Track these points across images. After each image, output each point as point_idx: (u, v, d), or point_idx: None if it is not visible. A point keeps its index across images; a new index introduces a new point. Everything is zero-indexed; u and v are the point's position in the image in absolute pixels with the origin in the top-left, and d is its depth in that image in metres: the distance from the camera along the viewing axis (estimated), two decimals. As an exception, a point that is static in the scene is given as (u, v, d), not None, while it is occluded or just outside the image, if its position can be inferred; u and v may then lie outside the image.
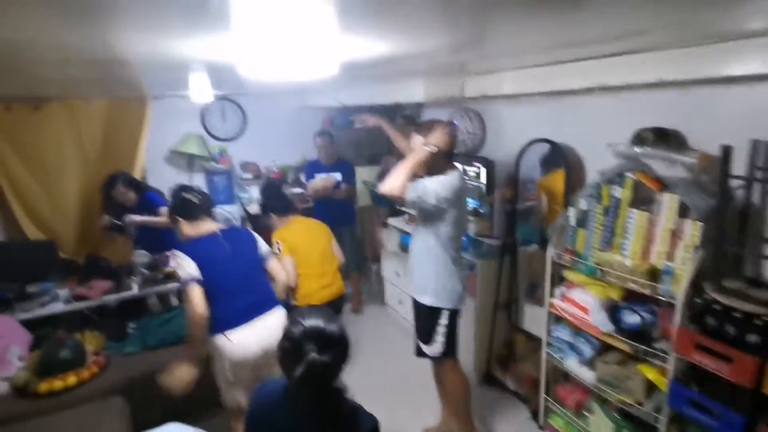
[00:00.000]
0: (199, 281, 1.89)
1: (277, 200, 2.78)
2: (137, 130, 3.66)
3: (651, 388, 1.91)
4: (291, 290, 2.61)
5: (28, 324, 2.73)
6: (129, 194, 3.28)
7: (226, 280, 1.97)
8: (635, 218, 1.87)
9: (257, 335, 1.98)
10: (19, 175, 3.36)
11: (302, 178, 4.68)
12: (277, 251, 2.55)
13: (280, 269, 2.27)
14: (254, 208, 4.21)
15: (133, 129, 3.66)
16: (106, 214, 3.33)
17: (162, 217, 3.40)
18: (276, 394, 1.24)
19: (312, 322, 1.18)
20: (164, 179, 3.90)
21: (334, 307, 2.68)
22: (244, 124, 4.58)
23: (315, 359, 1.11)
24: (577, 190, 2.24)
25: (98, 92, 3.40)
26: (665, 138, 1.90)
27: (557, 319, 2.31)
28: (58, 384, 2.30)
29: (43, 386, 2.28)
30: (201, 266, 1.91)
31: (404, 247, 3.62)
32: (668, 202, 1.75)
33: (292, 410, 1.19)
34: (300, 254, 2.60)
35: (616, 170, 1.96)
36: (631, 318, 1.96)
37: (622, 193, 1.91)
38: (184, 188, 2.15)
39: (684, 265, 1.72)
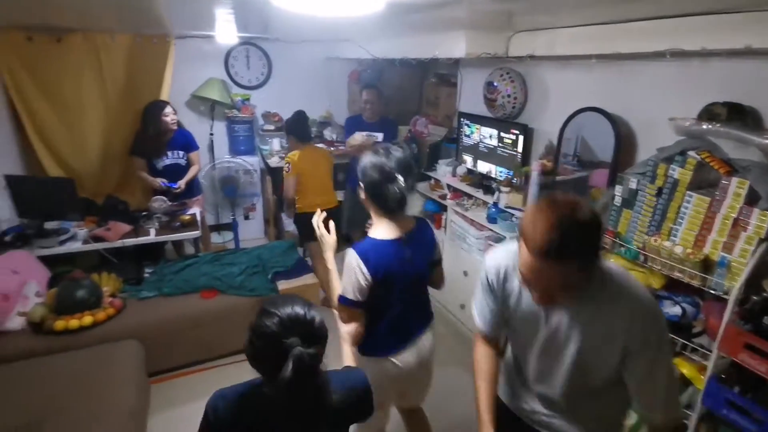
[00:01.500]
0: (360, 305, 1.52)
1: (301, 127, 3.15)
2: (160, 69, 3.53)
3: (684, 383, 1.80)
4: (291, 204, 3.14)
5: (45, 261, 2.72)
6: (175, 122, 3.28)
7: (397, 298, 1.57)
8: (693, 202, 1.69)
9: (419, 354, 1.65)
10: (40, 108, 3.27)
11: (329, 134, 4.52)
12: (286, 170, 3.04)
13: (443, 275, 1.79)
14: (275, 161, 4.10)
15: (156, 68, 3.52)
16: (138, 152, 3.28)
17: (195, 167, 3.36)
18: (244, 399, 1.08)
19: (288, 310, 0.99)
20: (184, 124, 3.79)
21: (331, 215, 2.22)
22: (268, 72, 4.40)
23: (302, 353, 0.93)
24: (625, 167, 2.05)
25: (122, 27, 3.25)
26: (740, 115, 1.68)
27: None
28: (73, 323, 2.31)
29: (59, 324, 2.29)
30: (376, 281, 1.49)
31: (426, 214, 3.50)
32: (735, 188, 1.57)
33: (273, 414, 1.02)
34: (304, 175, 3.08)
35: (678, 148, 1.76)
36: (672, 308, 1.83)
37: (681, 173, 1.72)
38: (386, 176, 1.48)
39: (743, 258, 1.56)
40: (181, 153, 3.36)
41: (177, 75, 3.72)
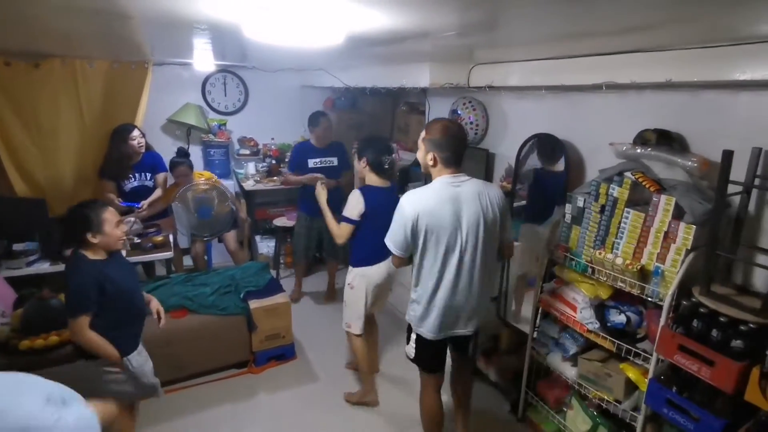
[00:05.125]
0: (354, 223, 2.35)
1: None
2: (136, 95, 3.60)
3: (631, 387, 1.93)
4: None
5: (12, 282, 2.70)
6: (142, 145, 3.33)
7: (380, 225, 2.07)
8: (630, 218, 1.86)
9: (387, 266, 2.43)
10: (13, 131, 3.29)
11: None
12: None
13: None
14: (250, 184, 4.18)
15: (133, 94, 3.60)
16: (106, 174, 3.31)
17: (159, 189, 3.41)
18: None
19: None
20: (159, 148, 3.85)
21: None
22: (245, 99, 4.54)
23: None
24: (575, 187, 2.23)
25: (100, 53, 3.34)
26: (668, 140, 1.89)
27: (545, 314, 2.32)
28: (39, 342, 2.29)
29: (24, 344, 2.27)
30: (368, 210, 2.33)
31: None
32: (664, 204, 1.75)
33: None
34: None
35: (616, 169, 1.95)
36: (618, 317, 1.97)
37: (619, 192, 1.90)
38: (383, 153, 2.43)
39: (674, 268, 1.72)
40: (148, 175, 3.44)
41: (154, 100, 3.80)
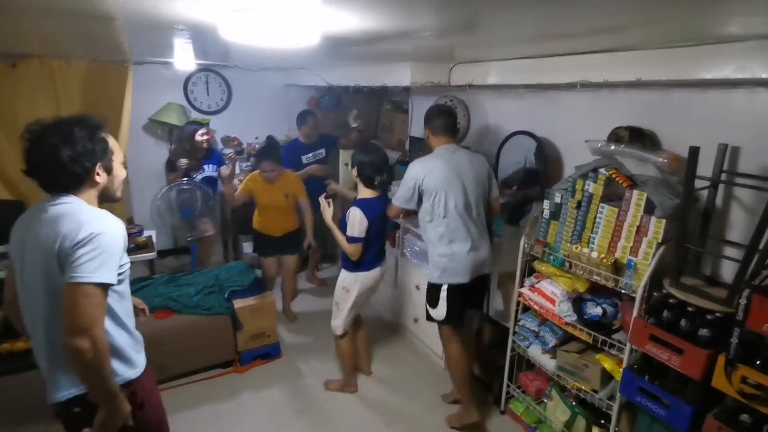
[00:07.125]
0: (363, 240, 2.36)
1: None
2: (119, 95, 3.55)
3: (607, 376, 1.99)
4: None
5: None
6: (207, 140, 3.59)
7: (375, 233, 2.42)
8: (605, 213, 1.92)
9: (380, 271, 2.55)
10: (-11, 132, 3.24)
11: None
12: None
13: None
14: (235, 184, 4.15)
15: (114, 93, 3.55)
16: (176, 168, 3.51)
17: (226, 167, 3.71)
18: None
19: None
20: (141, 148, 3.83)
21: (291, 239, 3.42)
22: (228, 98, 4.51)
23: None
24: (554, 183, 2.28)
25: (79, 52, 3.29)
26: (640, 137, 1.95)
27: (525, 308, 2.37)
28: (19, 345, 2.27)
29: (4, 347, 2.25)
30: (370, 223, 2.35)
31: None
32: (636, 199, 1.81)
33: None
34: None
35: (591, 166, 2.01)
36: (594, 309, 2.03)
37: (594, 188, 1.96)
38: (377, 170, 2.39)
39: (646, 261, 1.78)
40: (213, 167, 3.69)
41: (135, 99, 3.74)
